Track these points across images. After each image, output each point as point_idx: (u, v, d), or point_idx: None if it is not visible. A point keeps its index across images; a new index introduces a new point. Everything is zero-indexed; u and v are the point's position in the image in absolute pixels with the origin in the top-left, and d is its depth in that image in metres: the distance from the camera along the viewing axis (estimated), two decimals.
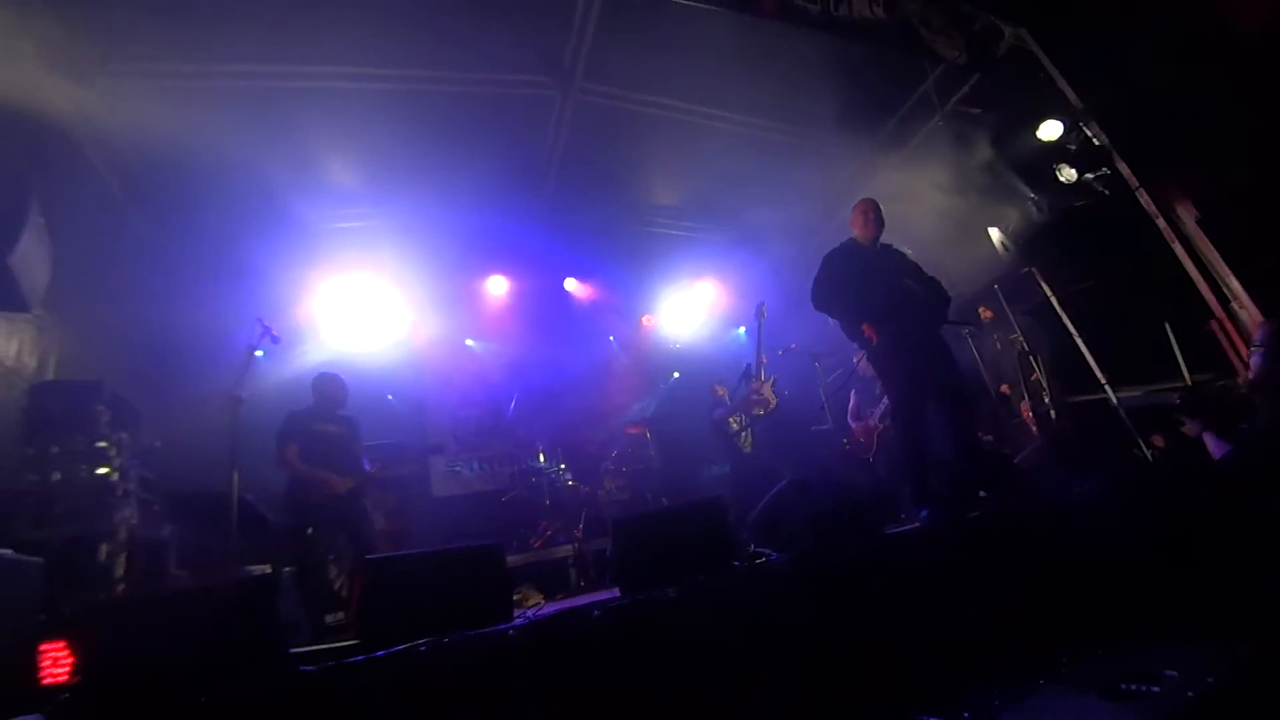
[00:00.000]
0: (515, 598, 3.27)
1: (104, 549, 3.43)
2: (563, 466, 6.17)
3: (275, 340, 3.91)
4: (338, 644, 2.44)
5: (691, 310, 8.47)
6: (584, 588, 4.75)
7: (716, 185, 6.74)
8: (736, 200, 6.98)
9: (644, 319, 8.43)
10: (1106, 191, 5.02)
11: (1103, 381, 4.91)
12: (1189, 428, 4.13)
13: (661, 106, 5.69)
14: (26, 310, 3.79)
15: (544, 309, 7.88)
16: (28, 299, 3.67)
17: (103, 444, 3.91)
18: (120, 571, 3.50)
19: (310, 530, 3.91)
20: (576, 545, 5.31)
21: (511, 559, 4.84)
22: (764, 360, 6.01)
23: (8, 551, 2.39)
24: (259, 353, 3.99)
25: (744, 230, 7.62)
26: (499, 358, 7.81)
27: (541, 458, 6.36)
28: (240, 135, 4.77)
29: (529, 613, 2.07)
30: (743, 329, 8.92)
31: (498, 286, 7.59)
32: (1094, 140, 5.08)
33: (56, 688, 2.38)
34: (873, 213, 3.88)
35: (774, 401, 5.87)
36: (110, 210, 5.04)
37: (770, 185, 6.51)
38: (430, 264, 6.71)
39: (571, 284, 8.00)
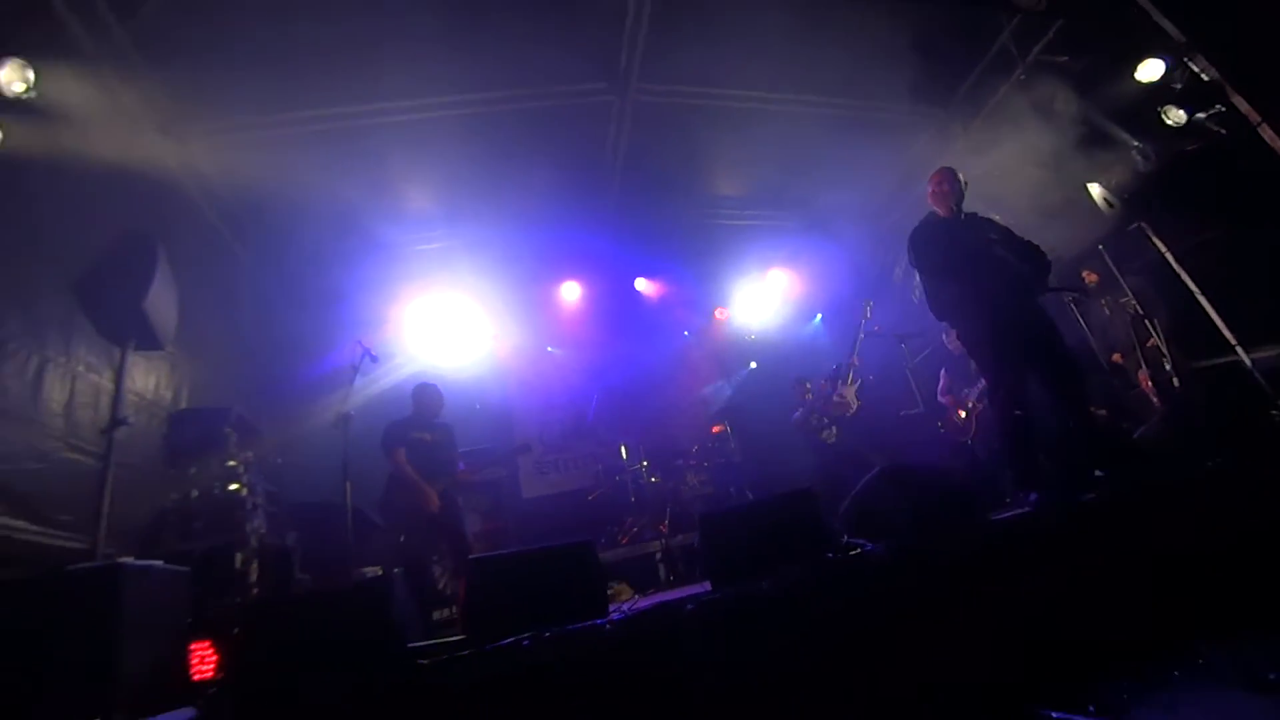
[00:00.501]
0: (609, 593, 3.35)
1: (239, 557, 3.79)
2: (645, 464, 6.25)
3: (374, 359, 4.21)
4: (446, 639, 2.60)
5: (765, 300, 8.33)
6: (673, 582, 4.78)
7: (782, 171, 6.59)
8: (804, 185, 6.79)
9: (717, 312, 8.38)
10: (1223, 131, 4.50)
11: (1233, 342, 4.41)
12: None
13: (720, 97, 5.62)
14: (161, 349, 4.26)
15: (617, 310, 8.00)
16: (161, 339, 4.14)
17: (232, 463, 4.33)
18: (253, 577, 3.86)
19: (402, 538, 4.16)
20: (664, 540, 5.36)
21: (601, 555, 4.95)
22: (856, 362, 5.78)
23: (159, 563, 2.69)
24: (356, 369, 4.29)
25: (814, 215, 7.40)
26: (578, 361, 8.01)
27: (624, 455, 6.47)
28: (326, 173, 5.17)
29: (624, 606, 2.12)
30: (819, 317, 8.68)
31: (571, 292, 7.78)
32: (1202, 76, 4.56)
33: (204, 683, 2.66)
34: (947, 182, 3.62)
35: (855, 405, 5.66)
36: (221, 253, 5.59)
37: (838, 166, 6.27)
38: (506, 276, 6.99)
39: (642, 283, 8.07)
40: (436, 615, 4.06)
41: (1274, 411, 3.85)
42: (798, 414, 6.09)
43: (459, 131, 5.27)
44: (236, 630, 2.08)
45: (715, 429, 6.92)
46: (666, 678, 1.71)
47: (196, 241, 5.11)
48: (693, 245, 7.46)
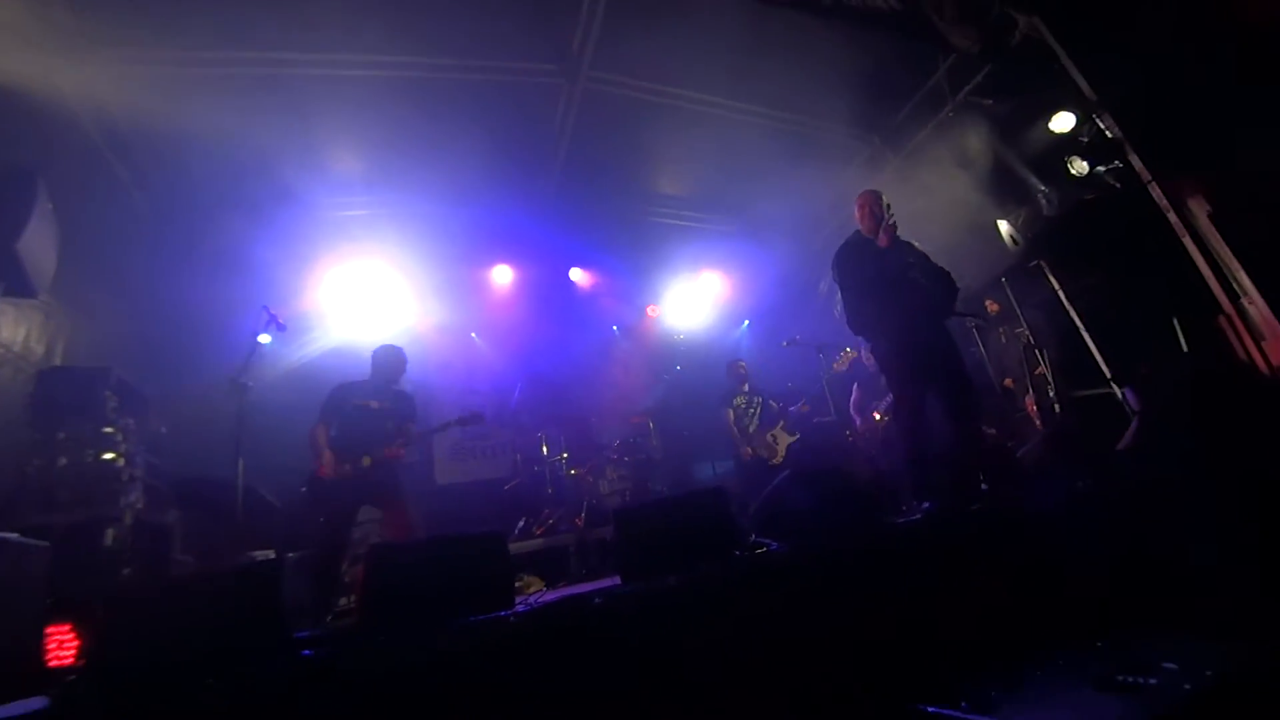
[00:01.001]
0: (517, 585, 3.30)
1: (109, 534, 3.46)
2: (565, 456, 6.19)
3: (281, 328, 3.91)
4: (341, 629, 2.47)
5: (695, 302, 8.46)
6: (586, 575, 4.77)
7: (724, 176, 6.71)
8: (744, 192, 6.95)
9: (649, 309, 8.44)
10: (1118, 185, 4.97)
11: (1108, 376, 4.89)
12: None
13: (670, 95, 5.66)
14: (34, 296, 3.80)
15: (549, 299, 7.89)
16: (35, 285, 3.69)
17: (109, 430, 3.94)
18: (126, 557, 3.54)
19: (323, 519, 3.81)
20: (579, 534, 5.34)
21: (514, 547, 4.86)
22: (804, 408, 5.96)
23: (13, 535, 2.41)
24: (265, 338, 3.99)
25: (751, 222, 7.60)
26: (503, 347, 7.84)
27: (544, 447, 6.39)
28: (246, 121, 4.79)
29: (531, 599, 2.08)
30: (746, 323, 8.92)
31: (503, 276, 7.60)
32: (1107, 133, 5.02)
33: (62, 670, 2.41)
34: (874, 205, 3.81)
35: (780, 455, 5.82)
36: (117, 196, 5.07)
37: (776, 178, 6.48)
38: (436, 252, 6.73)
39: (576, 274, 8.00)
40: (343, 604, 3.84)
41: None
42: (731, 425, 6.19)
43: (398, 95, 5.02)
44: (101, 612, 1.90)
45: (635, 420, 6.95)
46: (571, 671, 1.70)
47: (86, 181, 4.61)
48: (630, 240, 7.47)
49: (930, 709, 1.55)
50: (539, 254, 7.39)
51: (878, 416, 5.86)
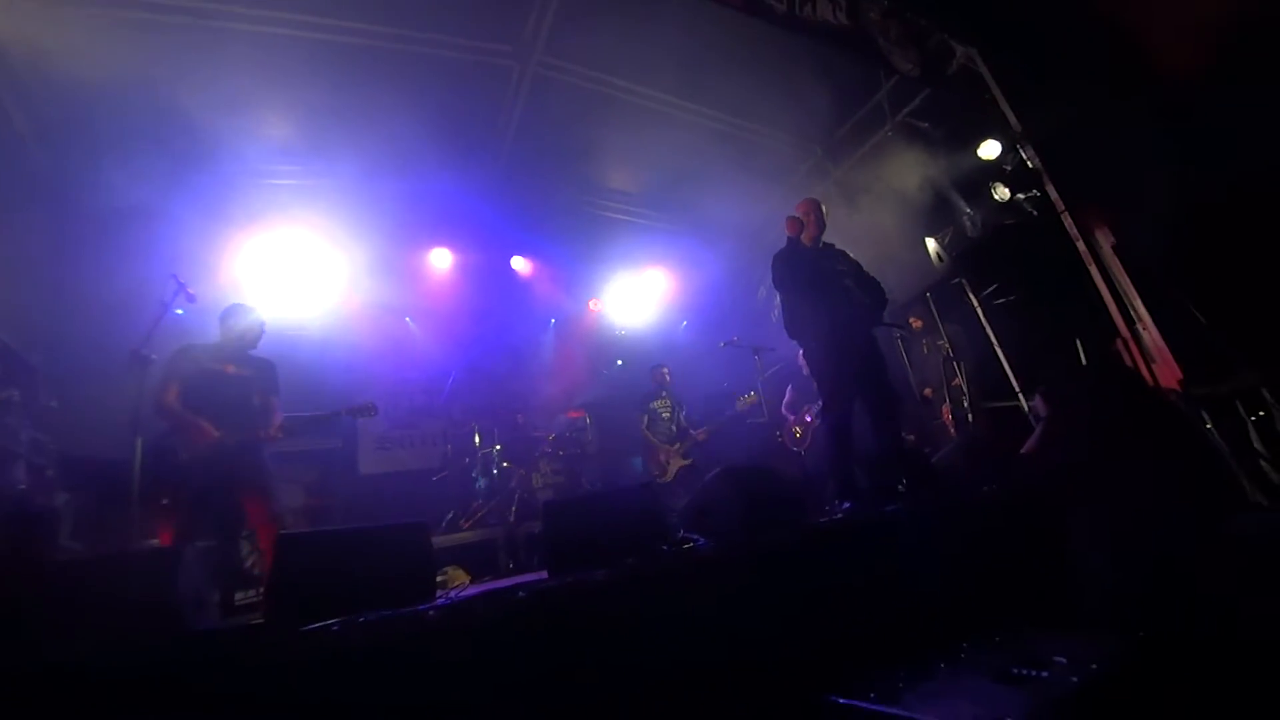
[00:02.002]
0: (440, 579, 3.19)
1: None
2: (499, 448, 6.07)
3: (191, 299, 3.62)
4: (244, 623, 2.33)
5: (638, 298, 8.49)
6: (513, 570, 4.70)
7: (671, 174, 6.75)
8: (690, 191, 7.02)
9: (591, 303, 8.39)
10: (1035, 212, 5.32)
11: (1016, 389, 5.23)
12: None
13: (621, 89, 5.64)
14: None
15: (488, 286, 7.70)
16: None
17: None
18: (5, 540, 3.20)
19: (202, 505, 3.34)
20: (508, 528, 5.24)
21: (440, 540, 4.73)
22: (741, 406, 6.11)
23: None
24: (179, 310, 3.68)
25: (696, 221, 7.68)
26: (439, 334, 7.60)
27: (477, 439, 6.24)
28: (165, 74, 4.44)
29: (452, 593, 2.02)
30: (684, 323, 9.02)
31: (441, 260, 7.36)
32: (1029, 163, 5.36)
33: None
34: (813, 213, 3.98)
35: (670, 476, 5.94)
36: (9, 146, 4.57)
37: (724, 179, 6.58)
38: (370, 229, 6.43)
39: (519, 262, 7.85)
40: (240, 597, 3.59)
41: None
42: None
43: (339, 61, 4.79)
44: None
45: (573, 414, 6.92)
46: (492, 667, 1.66)
47: None
48: (575, 231, 7.40)
49: (841, 700, 1.61)
50: (481, 238, 7.20)
51: (809, 418, 6.08)
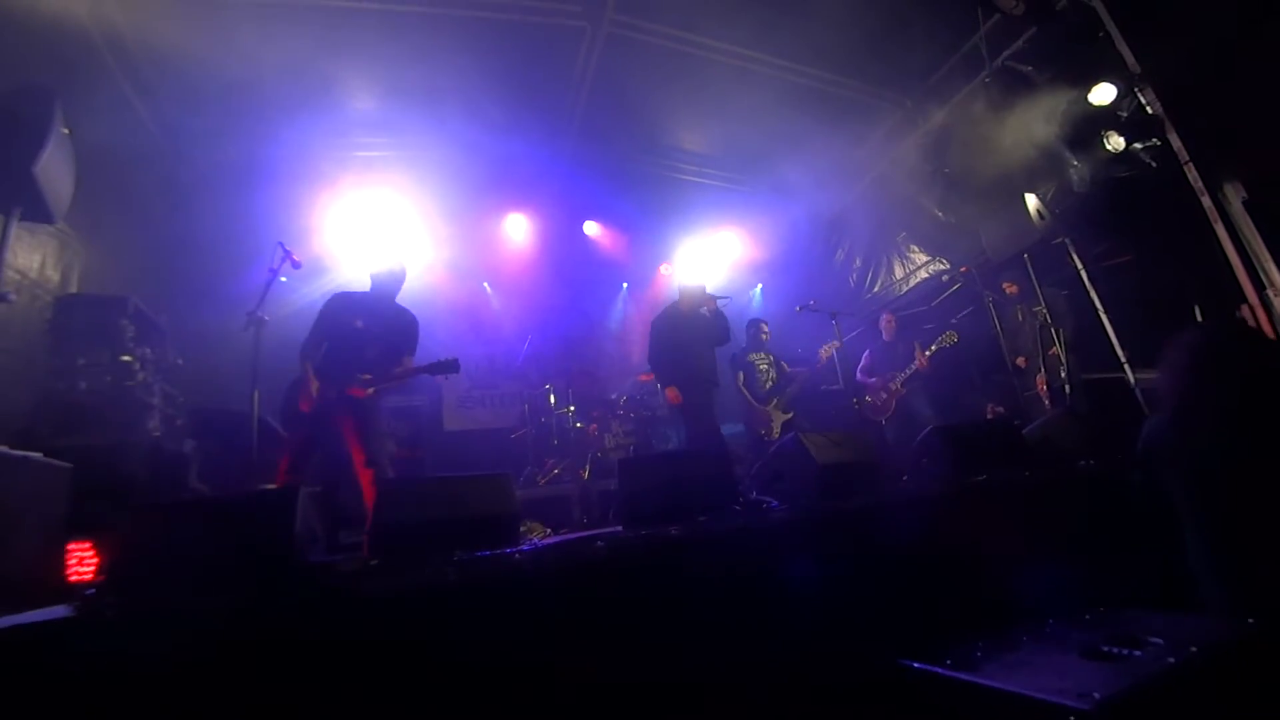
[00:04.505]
0: (521, 530, 3.37)
1: (128, 458, 3.56)
2: (572, 409, 6.26)
3: (296, 265, 3.90)
4: (350, 558, 2.56)
5: (710, 262, 8.37)
6: (587, 525, 4.88)
7: (747, 133, 6.54)
8: (766, 150, 6.77)
9: (661, 267, 8.37)
10: (1154, 164, 4.80)
11: (1122, 360, 4.83)
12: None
13: (695, 45, 5.47)
14: (52, 222, 3.78)
15: (562, 252, 7.84)
16: (52, 211, 3.66)
17: (127, 358, 4.01)
18: (144, 481, 3.64)
19: (313, 451, 3.67)
20: (582, 485, 5.44)
21: (518, 494, 4.96)
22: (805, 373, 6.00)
23: (37, 455, 2.48)
24: (283, 278, 3.98)
25: (771, 184, 7.44)
26: (514, 299, 7.84)
27: (552, 400, 6.45)
28: (263, 54, 4.69)
29: (536, 541, 2.14)
30: (759, 288, 8.83)
31: (516, 226, 7.54)
32: (1147, 108, 4.82)
33: (82, 585, 2.51)
34: (695, 295, 5.29)
35: (776, 432, 5.80)
36: (130, 125, 5.01)
37: (802, 137, 6.30)
38: (450, 195, 6.65)
39: (591, 227, 7.91)
40: (345, 538, 3.94)
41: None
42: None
43: (414, 32, 4.90)
44: (123, 529, 1.97)
45: (643, 377, 7.00)
46: (572, 608, 1.76)
47: (102, 110, 4.53)
48: (647, 195, 7.35)
49: (916, 665, 1.60)
50: (554, 204, 7.31)
51: (894, 386, 5.87)
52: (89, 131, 4.05)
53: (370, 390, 3.77)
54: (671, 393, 5.12)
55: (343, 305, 3.90)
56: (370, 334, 3.85)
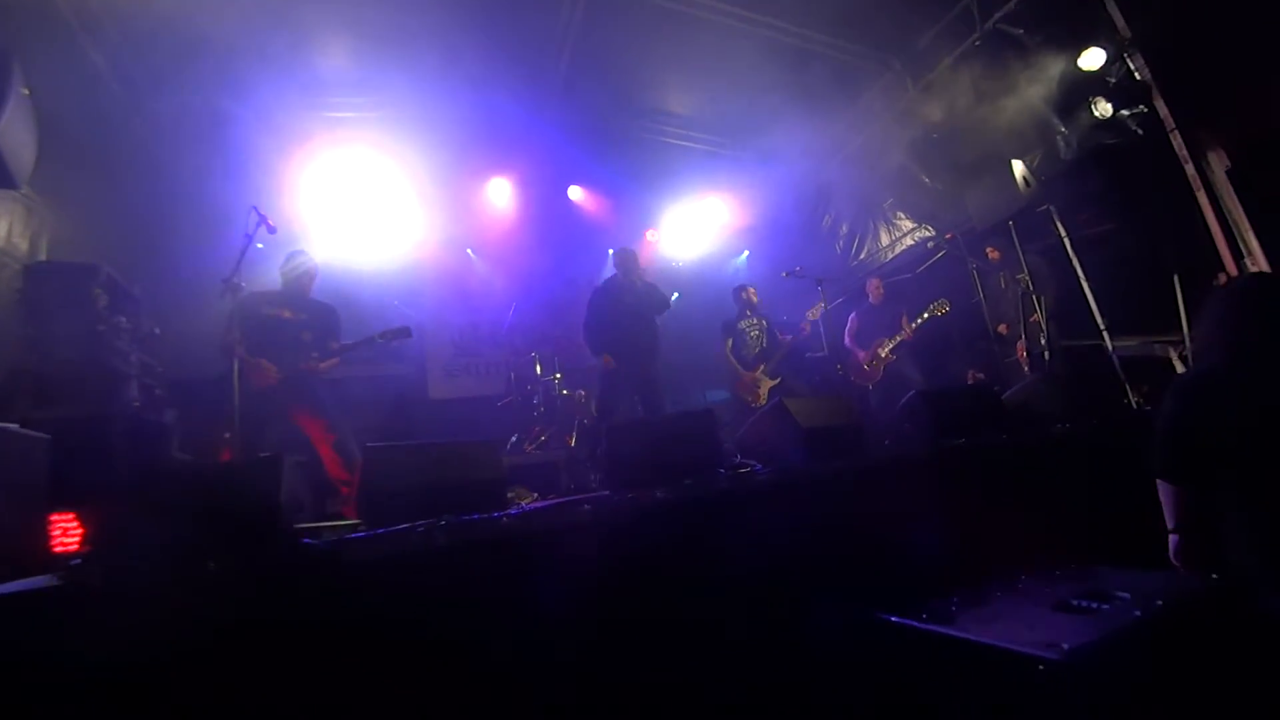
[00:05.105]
0: (509, 495, 3.40)
1: (108, 430, 3.51)
2: (558, 376, 6.26)
3: (271, 230, 3.80)
4: (337, 523, 2.57)
5: (696, 228, 8.31)
6: (573, 490, 4.93)
7: (733, 95, 6.43)
8: (753, 113, 6.68)
9: (647, 233, 8.29)
10: (1140, 131, 4.80)
11: (1102, 328, 4.90)
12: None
13: (681, 2, 5.31)
14: (15, 188, 3.64)
15: (546, 218, 7.73)
16: (15, 176, 3.51)
17: (102, 327, 3.93)
18: (125, 452, 3.60)
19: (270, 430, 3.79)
20: (569, 451, 5.48)
21: (505, 460, 4.99)
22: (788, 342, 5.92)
23: (13, 426, 2.44)
24: (259, 244, 3.89)
25: (758, 149, 7.36)
26: (499, 265, 7.74)
27: (538, 368, 6.44)
28: (234, 10, 4.49)
29: (523, 505, 2.16)
30: (745, 254, 8.79)
31: (500, 191, 7.40)
32: (1136, 74, 4.80)
33: (66, 556, 2.50)
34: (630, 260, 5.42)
35: (763, 399, 5.78)
36: (92, 83, 4.80)
37: (791, 99, 6.20)
38: (431, 160, 6.48)
39: (576, 192, 7.79)
40: (331, 507, 3.97)
41: (1124, 398, 4.38)
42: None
43: None
44: (107, 499, 1.96)
45: None
46: (560, 569, 1.78)
47: (61, 67, 4.35)
48: (632, 159, 7.23)
49: (893, 619, 1.65)
50: (538, 168, 7.16)
51: (883, 354, 5.89)
52: (50, 91, 3.88)
53: (326, 364, 3.95)
54: (607, 359, 5.13)
55: (260, 302, 4.00)
56: (300, 322, 4.06)
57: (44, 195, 4.42)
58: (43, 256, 4.50)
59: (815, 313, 5.69)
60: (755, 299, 6.15)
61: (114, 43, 4.71)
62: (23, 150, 3.57)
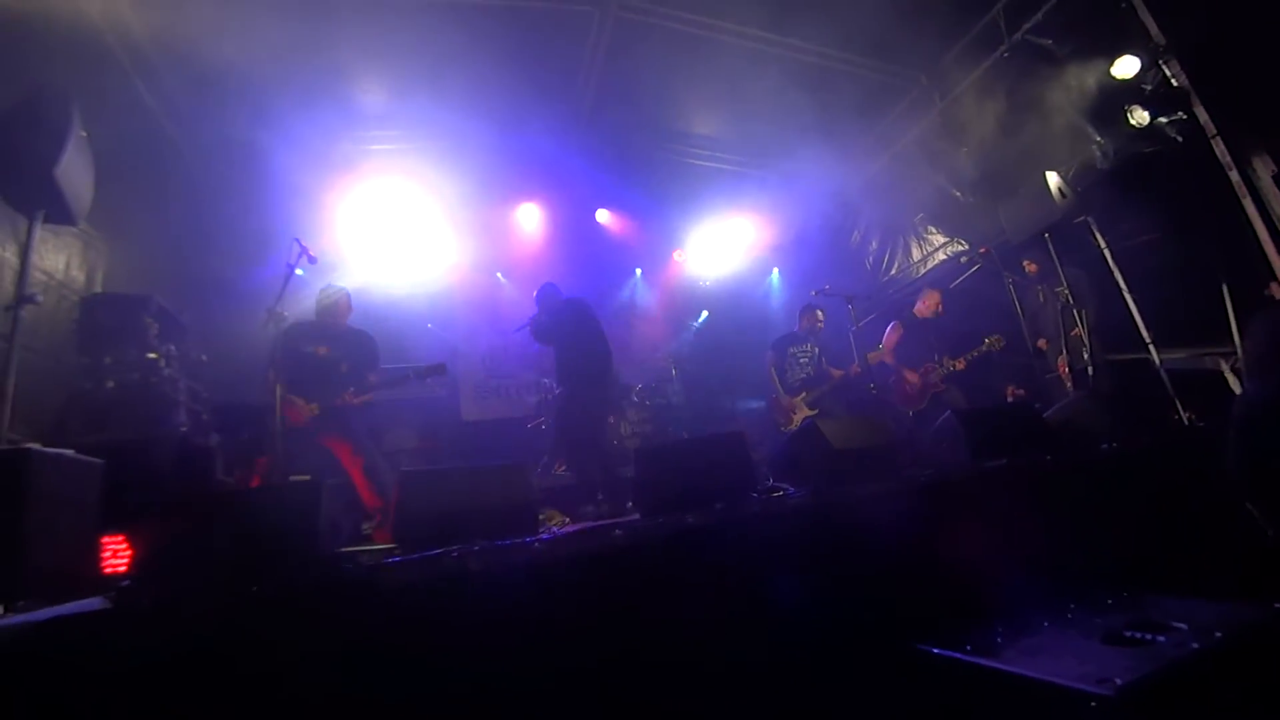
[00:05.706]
0: (540, 518, 3.41)
1: (157, 453, 3.64)
2: None
3: (312, 260, 3.95)
4: (373, 547, 2.61)
5: (723, 248, 8.32)
6: (606, 513, 4.92)
7: (759, 116, 6.45)
8: (779, 132, 6.68)
9: (675, 254, 8.35)
10: (1180, 138, 4.66)
11: (1147, 341, 4.73)
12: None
13: (705, 27, 5.40)
14: (74, 224, 3.85)
15: (574, 240, 7.84)
16: (74, 213, 3.71)
17: (152, 355, 4.09)
18: (172, 475, 3.73)
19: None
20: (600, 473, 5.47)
21: (536, 482, 5.00)
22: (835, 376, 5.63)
23: (69, 452, 2.55)
24: (300, 271, 4.04)
25: (784, 168, 7.36)
26: (528, 288, 7.85)
27: None
28: (275, 50, 4.70)
29: (554, 529, 2.17)
30: (776, 272, 8.76)
31: (529, 215, 7.54)
32: (1173, 81, 4.68)
33: (116, 577, 2.59)
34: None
35: (794, 426, 5.54)
36: (149, 129, 5.07)
37: (817, 121, 6.19)
38: (462, 188, 6.67)
39: (603, 215, 7.90)
40: (366, 528, 4.04)
41: (1173, 413, 4.20)
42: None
43: (423, 22, 4.88)
44: (154, 523, 2.02)
45: (659, 361, 6.95)
46: (591, 595, 1.78)
47: (117, 111, 4.59)
48: (659, 181, 7.31)
49: (935, 650, 1.60)
50: (566, 192, 7.30)
51: (934, 378, 5.48)
52: (105, 131, 4.10)
53: (360, 399, 4.07)
54: None
55: (299, 336, 4.14)
56: (335, 357, 4.21)
57: (100, 230, 4.66)
58: (98, 288, 4.73)
59: (876, 357, 5.48)
60: (820, 325, 5.87)
61: (164, 83, 4.97)
62: (82, 189, 3.77)
